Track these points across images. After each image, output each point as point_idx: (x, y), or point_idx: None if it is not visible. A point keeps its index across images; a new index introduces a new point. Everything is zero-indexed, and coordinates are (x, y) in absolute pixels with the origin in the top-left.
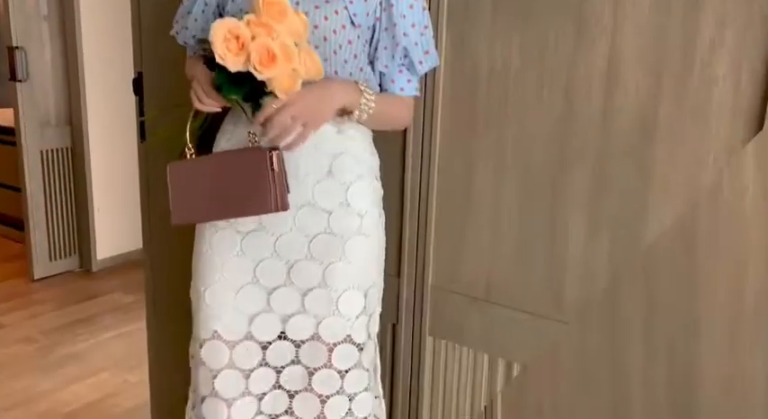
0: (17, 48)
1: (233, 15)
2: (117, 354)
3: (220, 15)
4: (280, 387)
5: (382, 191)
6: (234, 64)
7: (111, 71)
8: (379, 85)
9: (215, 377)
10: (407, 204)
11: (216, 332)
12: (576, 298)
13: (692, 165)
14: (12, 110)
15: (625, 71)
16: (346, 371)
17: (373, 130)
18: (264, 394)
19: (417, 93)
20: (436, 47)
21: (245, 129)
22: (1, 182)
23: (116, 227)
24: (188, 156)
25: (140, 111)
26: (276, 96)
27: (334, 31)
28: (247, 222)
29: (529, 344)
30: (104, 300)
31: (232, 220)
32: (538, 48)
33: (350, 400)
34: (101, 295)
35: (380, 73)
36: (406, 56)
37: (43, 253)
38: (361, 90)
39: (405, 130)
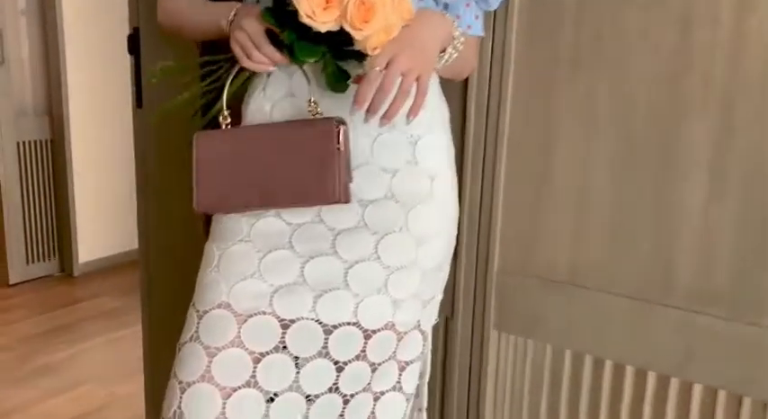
0: None
1: None
2: (102, 364)
3: None
4: (298, 387)
5: (454, 149)
6: (325, 23)
7: (96, 55)
8: None
9: (213, 356)
10: (468, 168)
11: (224, 302)
12: (691, 281)
13: None
14: None
15: None
16: (379, 364)
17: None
18: (276, 395)
19: (484, 34)
20: None
21: (283, 85)
22: None
23: (100, 228)
24: (223, 125)
25: (137, 74)
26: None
27: None
28: None
29: (626, 336)
30: (87, 306)
31: None
32: None
33: (375, 399)
34: (83, 300)
35: (444, 5)
36: None
37: (20, 255)
38: (451, 21)
39: (466, 78)
